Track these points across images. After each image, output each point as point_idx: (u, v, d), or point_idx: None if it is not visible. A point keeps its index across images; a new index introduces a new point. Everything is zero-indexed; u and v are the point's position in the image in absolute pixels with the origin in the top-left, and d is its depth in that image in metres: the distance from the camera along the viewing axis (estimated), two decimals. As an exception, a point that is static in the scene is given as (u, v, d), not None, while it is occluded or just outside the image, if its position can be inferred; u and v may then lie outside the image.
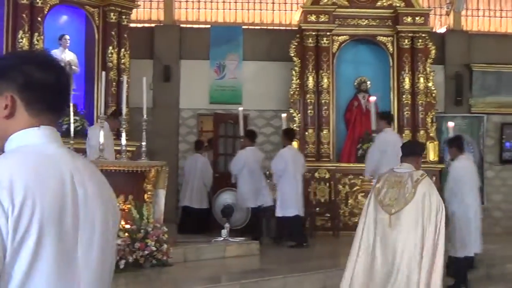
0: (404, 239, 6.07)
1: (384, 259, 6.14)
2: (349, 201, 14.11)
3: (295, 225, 11.55)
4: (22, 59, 1.94)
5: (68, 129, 10.22)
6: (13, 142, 1.88)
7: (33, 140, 1.87)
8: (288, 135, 12.16)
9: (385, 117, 11.13)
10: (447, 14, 16.49)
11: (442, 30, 16.42)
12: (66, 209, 1.81)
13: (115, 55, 12.97)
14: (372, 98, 12.17)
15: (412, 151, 6.62)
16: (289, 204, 11.44)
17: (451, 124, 12.13)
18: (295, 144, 13.01)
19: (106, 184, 2.00)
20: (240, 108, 13.05)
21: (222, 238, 10.18)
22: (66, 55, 12.66)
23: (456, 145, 9.78)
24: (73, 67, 12.62)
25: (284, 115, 13.25)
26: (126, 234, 8.04)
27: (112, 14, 12.99)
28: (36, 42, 11.77)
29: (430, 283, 5.99)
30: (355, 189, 14.24)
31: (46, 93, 1.90)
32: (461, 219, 9.13)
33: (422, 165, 14.41)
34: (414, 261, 6.00)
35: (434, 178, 14.16)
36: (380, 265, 6.14)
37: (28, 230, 1.72)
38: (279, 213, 11.48)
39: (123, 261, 7.77)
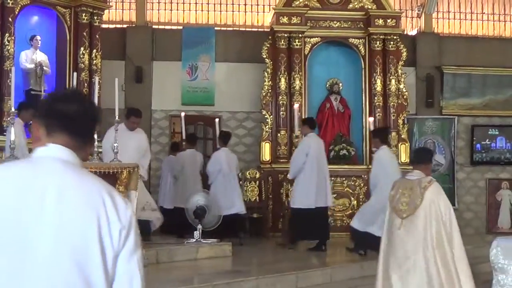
0: (416, 242, 6.43)
1: (396, 262, 6.52)
2: (322, 203, 14.15)
3: (230, 224, 11.85)
4: (51, 96, 2.43)
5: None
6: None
7: (37, 153, 2.23)
8: (223, 138, 12.51)
9: (307, 122, 11.68)
10: (418, 16, 16.62)
11: (413, 32, 16.55)
12: (22, 216, 2.04)
13: (86, 56, 12.87)
14: (296, 105, 12.43)
15: (422, 159, 6.91)
16: (223, 204, 11.78)
17: (371, 119, 13.12)
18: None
19: (99, 200, 2.11)
20: (182, 114, 13.34)
21: (194, 240, 10.16)
22: (37, 56, 12.55)
23: (379, 135, 10.55)
24: (45, 68, 12.52)
25: (217, 119, 13.45)
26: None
27: (83, 14, 12.89)
28: (7, 42, 11.67)
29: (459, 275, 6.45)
30: (327, 190, 14.29)
31: (62, 120, 2.25)
32: (378, 203, 9.73)
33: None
34: (430, 262, 6.35)
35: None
36: (394, 268, 6.52)
37: None
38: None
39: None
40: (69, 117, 2.24)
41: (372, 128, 12.21)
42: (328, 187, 11.40)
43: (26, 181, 2.10)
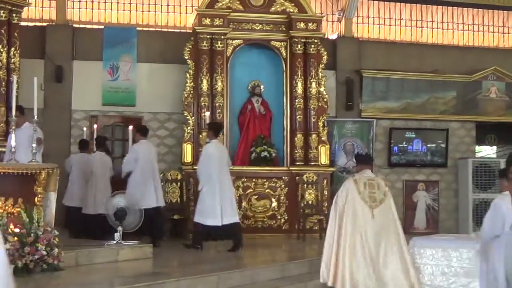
0: (387, 228, 7.48)
1: (368, 249, 7.35)
2: (243, 204, 14.22)
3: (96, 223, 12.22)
4: None
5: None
6: None
7: None
8: (99, 142, 13.17)
9: (140, 130, 12.28)
10: (339, 20, 16.89)
11: (334, 36, 16.80)
12: None
13: (4, 54, 12.60)
14: (130, 128, 12.77)
15: (367, 161, 8.37)
16: (90, 204, 12.56)
17: (207, 113, 13.48)
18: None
19: None
20: (85, 128, 13.93)
21: (115, 242, 10.06)
22: (-48, 54, 12.23)
23: (212, 129, 11.60)
24: (-41, 66, 12.21)
25: (95, 125, 13.84)
26: (16, 238, 7.83)
27: (1, 11, 12.61)
28: None
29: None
30: (248, 191, 14.38)
31: None
32: (205, 194, 11.20)
33: (314, 168, 14.82)
34: (402, 243, 7.49)
35: (325, 181, 14.52)
36: (364, 255, 7.35)
37: None
38: (87, 211, 12.54)
39: (12, 266, 7.55)
40: None
41: (208, 121, 12.92)
42: (159, 188, 12.00)
43: None
